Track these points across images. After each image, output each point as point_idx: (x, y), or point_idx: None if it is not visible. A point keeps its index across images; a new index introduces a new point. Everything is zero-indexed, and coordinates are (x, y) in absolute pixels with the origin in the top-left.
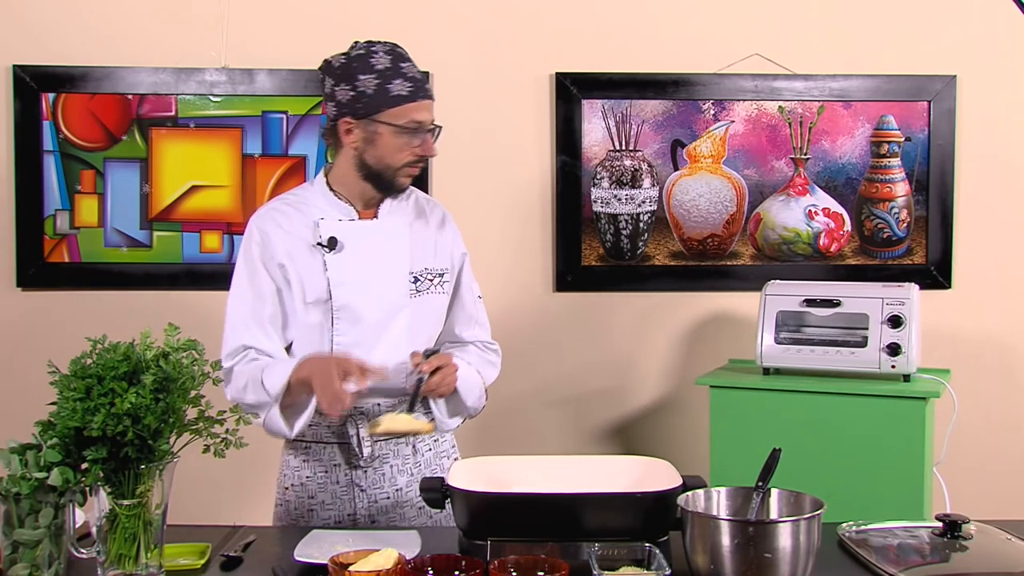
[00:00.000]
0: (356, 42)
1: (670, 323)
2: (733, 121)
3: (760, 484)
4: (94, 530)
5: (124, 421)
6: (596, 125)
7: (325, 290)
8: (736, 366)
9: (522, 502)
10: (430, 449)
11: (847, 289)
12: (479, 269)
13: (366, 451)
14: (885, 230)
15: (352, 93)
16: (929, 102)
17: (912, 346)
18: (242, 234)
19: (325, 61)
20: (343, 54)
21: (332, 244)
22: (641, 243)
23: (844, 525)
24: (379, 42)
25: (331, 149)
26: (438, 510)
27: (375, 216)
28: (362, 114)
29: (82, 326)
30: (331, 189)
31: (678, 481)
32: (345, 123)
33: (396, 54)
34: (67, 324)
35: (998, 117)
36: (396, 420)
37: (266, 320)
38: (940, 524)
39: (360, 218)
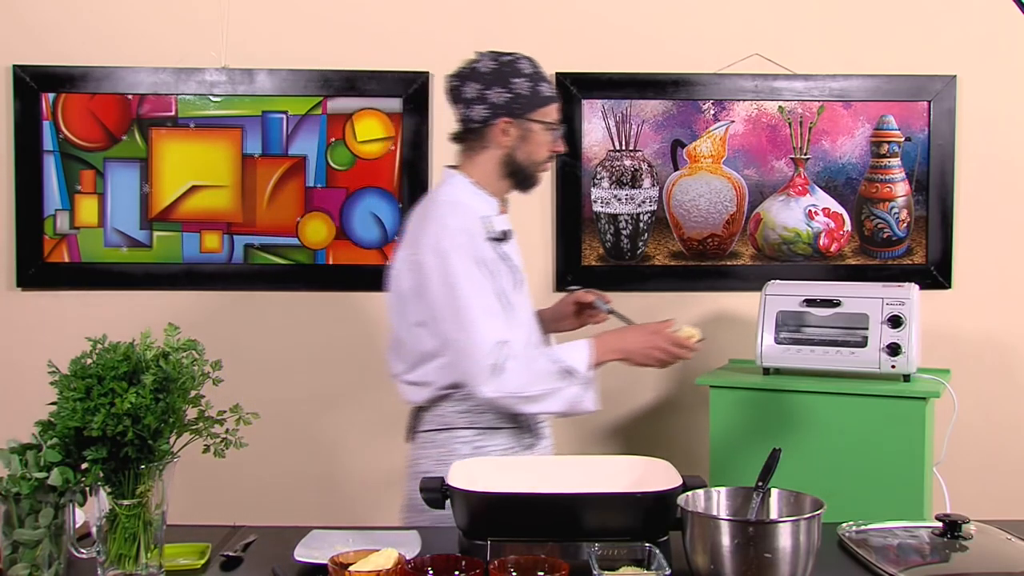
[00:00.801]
0: (480, 53)
1: None
2: (733, 121)
3: (760, 484)
4: (94, 530)
5: (124, 421)
6: (596, 125)
7: (513, 278)
8: (736, 366)
9: (522, 502)
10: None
11: (847, 289)
12: None
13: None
14: (885, 230)
15: (509, 95)
16: (929, 102)
17: (912, 346)
18: (242, 234)
19: (465, 68)
20: (492, 60)
21: (505, 236)
22: (641, 243)
23: (844, 525)
24: (506, 52)
25: (465, 150)
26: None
27: (506, 212)
28: (519, 113)
29: (82, 326)
30: (478, 188)
31: (678, 481)
32: (505, 122)
33: (532, 60)
34: (67, 324)
35: (998, 117)
36: (692, 330)
37: (503, 312)
38: (940, 524)
39: (501, 213)
